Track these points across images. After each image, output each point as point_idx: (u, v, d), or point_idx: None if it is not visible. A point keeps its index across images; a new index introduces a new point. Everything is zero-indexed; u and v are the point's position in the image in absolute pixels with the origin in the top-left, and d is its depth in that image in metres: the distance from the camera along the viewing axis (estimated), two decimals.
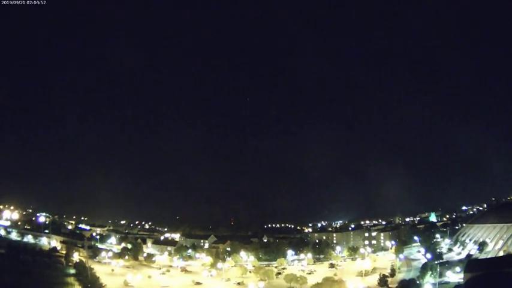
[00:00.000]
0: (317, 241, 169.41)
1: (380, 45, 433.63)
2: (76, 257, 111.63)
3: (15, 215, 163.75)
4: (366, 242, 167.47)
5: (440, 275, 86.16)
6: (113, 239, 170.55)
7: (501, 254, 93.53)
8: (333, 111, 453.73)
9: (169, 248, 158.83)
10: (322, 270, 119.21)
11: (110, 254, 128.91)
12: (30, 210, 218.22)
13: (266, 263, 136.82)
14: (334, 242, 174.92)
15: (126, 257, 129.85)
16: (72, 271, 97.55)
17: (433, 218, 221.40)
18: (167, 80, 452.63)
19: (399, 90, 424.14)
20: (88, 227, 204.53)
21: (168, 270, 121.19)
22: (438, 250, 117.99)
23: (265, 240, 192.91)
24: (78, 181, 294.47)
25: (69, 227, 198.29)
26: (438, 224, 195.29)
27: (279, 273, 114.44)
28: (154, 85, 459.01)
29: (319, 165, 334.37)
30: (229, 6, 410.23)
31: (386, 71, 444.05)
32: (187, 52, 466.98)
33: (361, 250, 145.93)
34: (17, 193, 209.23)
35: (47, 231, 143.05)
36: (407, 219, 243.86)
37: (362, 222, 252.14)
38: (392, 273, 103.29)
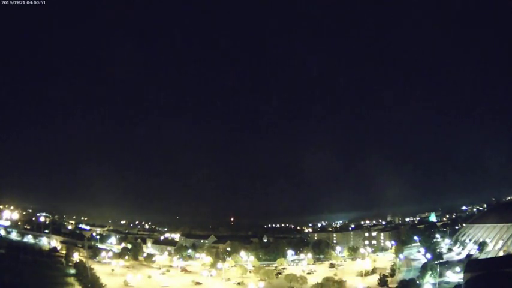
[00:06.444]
0: (317, 241, 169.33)
1: (380, 44, 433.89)
2: (76, 257, 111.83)
3: (15, 215, 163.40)
4: (366, 242, 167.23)
5: (440, 275, 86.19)
6: (113, 239, 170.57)
7: (501, 254, 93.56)
8: (333, 111, 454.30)
9: (169, 248, 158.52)
10: (322, 270, 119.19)
11: (110, 254, 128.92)
12: (30, 210, 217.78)
13: (266, 263, 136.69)
14: (334, 242, 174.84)
15: (126, 257, 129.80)
16: (72, 271, 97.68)
17: (433, 218, 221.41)
18: (167, 81, 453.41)
19: (400, 90, 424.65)
20: (88, 227, 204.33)
21: (168, 270, 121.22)
22: (438, 250, 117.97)
23: (265, 240, 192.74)
24: (78, 181, 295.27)
25: (69, 227, 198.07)
26: (438, 224, 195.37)
27: (279, 273, 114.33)
28: (154, 85, 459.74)
29: (319, 165, 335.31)
30: (231, 6, 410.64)
31: (386, 70, 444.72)
32: (188, 52, 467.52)
33: (361, 250, 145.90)
34: (17, 193, 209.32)
35: (47, 231, 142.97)
36: (407, 219, 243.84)
37: (362, 222, 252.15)
38: (392, 273, 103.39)
